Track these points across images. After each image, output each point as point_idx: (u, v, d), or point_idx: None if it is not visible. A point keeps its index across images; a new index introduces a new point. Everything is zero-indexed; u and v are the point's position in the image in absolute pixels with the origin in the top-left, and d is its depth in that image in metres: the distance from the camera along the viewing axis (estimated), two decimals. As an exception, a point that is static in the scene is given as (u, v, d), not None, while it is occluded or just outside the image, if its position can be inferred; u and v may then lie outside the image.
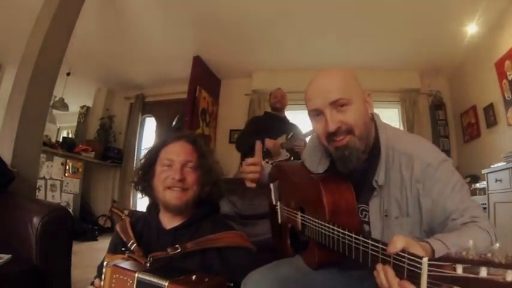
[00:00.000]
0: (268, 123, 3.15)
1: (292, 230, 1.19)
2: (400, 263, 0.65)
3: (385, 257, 0.70)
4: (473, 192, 3.54)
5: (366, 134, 0.97)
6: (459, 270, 0.55)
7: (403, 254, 0.65)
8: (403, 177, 0.93)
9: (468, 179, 3.93)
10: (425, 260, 0.60)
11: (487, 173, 2.98)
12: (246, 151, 2.91)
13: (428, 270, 0.60)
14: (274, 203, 1.31)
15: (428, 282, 0.60)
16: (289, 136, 2.93)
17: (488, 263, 0.51)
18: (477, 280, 0.52)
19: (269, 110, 3.43)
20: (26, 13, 2.84)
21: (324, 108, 0.94)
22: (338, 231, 0.83)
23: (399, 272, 0.65)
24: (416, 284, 0.62)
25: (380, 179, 0.95)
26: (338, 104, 0.93)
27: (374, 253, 0.73)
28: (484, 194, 3.10)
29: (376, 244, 0.72)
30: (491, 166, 2.94)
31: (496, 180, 2.82)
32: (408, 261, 0.64)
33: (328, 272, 1.02)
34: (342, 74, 0.99)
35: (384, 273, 0.68)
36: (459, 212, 0.85)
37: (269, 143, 2.82)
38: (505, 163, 2.77)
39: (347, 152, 0.93)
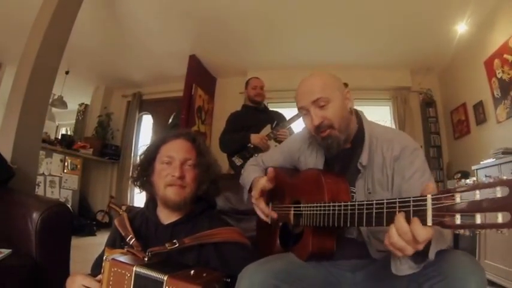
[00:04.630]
0: (249, 118, 3.00)
1: (283, 228, 1.24)
2: (406, 208, 0.73)
3: (390, 210, 0.77)
4: (464, 188, 3.61)
5: (345, 126, 1.13)
6: (458, 199, 0.64)
7: (407, 199, 0.73)
8: (385, 158, 1.09)
9: (458, 175, 3.97)
10: (429, 196, 0.69)
11: (476, 169, 2.97)
12: (232, 150, 2.86)
13: (432, 204, 0.68)
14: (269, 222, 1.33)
15: (433, 215, 0.68)
16: (274, 125, 2.85)
17: (480, 186, 0.61)
18: (474, 203, 0.61)
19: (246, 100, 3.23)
20: (26, 12, 2.87)
21: (309, 106, 1.12)
22: (339, 205, 0.92)
23: (406, 218, 0.72)
24: (422, 221, 0.69)
25: (364, 160, 1.10)
26: (319, 103, 1.10)
27: (379, 210, 0.80)
28: (474, 189, 3.10)
29: (380, 201, 0.80)
30: (481, 162, 2.94)
31: (486, 176, 2.77)
32: (413, 203, 0.72)
33: (319, 264, 1.07)
34: (323, 78, 1.15)
35: (397, 221, 0.73)
36: None
37: (255, 138, 2.75)
38: (494, 159, 2.77)
39: (329, 141, 1.11)
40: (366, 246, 1.06)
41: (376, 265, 1.04)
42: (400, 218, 0.72)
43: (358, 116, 1.21)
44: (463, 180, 0.65)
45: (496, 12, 3.54)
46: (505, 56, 3.38)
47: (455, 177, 4.06)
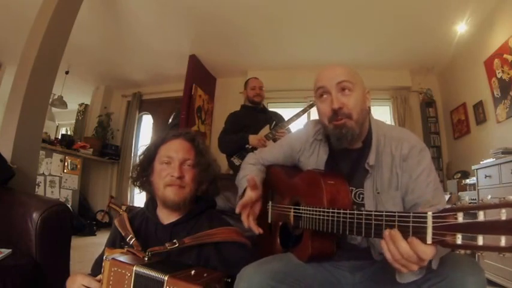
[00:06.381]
0: (248, 118, 2.98)
1: (283, 228, 1.22)
2: (405, 224, 0.71)
3: (389, 223, 0.75)
4: (463, 188, 3.59)
5: (362, 120, 1.09)
6: (460, 218, 0.62)
7: (407, 214, 0.71)
8: (394, 157, 1.07)
9: (458, 175, 3.99)
10: (429, 213, 0.66)
11: (476, 169, 2.95)
12: (231, 151, 2.86)
13: (433, 223, 0.65)
14: (269, 221, 1.30)
15: (433, 234, 0.65)
16: (273, 126, 2.82)
17: (484, 207, 0.58)
18: (477, 224, 0.59)
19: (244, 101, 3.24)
20: (26, 12, 2.88)
21: (331, 88, 1.07)
22: (339, 213, 0.89)
23: (405, 233, 0.70)
24: (422, 239, 0.67)
25: (371, 160, 1.06)
26: (343, 86, 1.07)
27: (378, 222, 0.77)
28: (474, 189, 3.05)
29: (379, 213, 0.77)
30: (481, 162, 2.92)
31: (486, 176, 2.79)
32: (413, 219, 0.70)
33: (319, 264, 1.06)
34: (349, 67, 1.13)
35: (391, 238, 0.72)
36: (428, 206, 0.96)
37: (253, 140, 2.74)
38: (494, 159, 2.75)
39: (344, 130, 1.06)
40: (366, 250, 1.06)
41: (375, 266, 1.04)
42: (402, 243, 0.71)
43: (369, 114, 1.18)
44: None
45: (496, 12, 3.54)
46: (505, 56, 3.38)
47: (455, 177, 4.06)
